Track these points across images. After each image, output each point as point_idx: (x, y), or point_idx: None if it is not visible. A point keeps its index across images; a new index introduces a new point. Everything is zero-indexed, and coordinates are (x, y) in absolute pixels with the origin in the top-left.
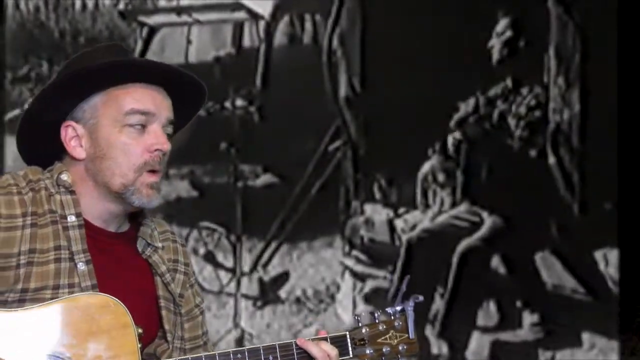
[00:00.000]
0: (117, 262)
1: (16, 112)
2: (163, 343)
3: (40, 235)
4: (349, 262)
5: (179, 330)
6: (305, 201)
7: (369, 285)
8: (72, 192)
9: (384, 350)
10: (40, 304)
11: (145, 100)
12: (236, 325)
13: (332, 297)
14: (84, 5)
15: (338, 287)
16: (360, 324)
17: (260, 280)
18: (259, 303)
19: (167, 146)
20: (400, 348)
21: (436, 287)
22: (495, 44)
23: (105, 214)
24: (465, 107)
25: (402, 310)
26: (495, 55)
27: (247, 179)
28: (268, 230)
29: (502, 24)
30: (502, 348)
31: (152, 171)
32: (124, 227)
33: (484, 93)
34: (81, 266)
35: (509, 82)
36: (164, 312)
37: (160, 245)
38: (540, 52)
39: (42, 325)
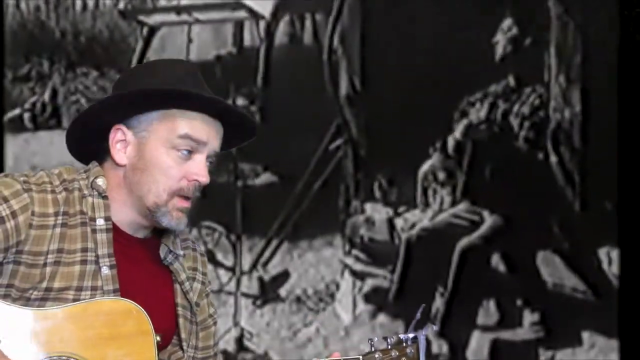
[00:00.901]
0: (140, 268)
1: (16, 111)
2: (178, 351)
3: (70, 235)
4: (349, 261)
5: (194, 339)
6: (306, 200)
7: (369, 284)
8: (104, 197)
9: None
10: (64, 304)
11: (201, 130)
12: (236, 324)
13: (332, 296)
14: (84, 5)
15: (338, 286)
16: (373, 349)
17: (260, 279)
18: (258, 302)
19: (206, 179)
20: None
21: (436, 286)
22: (500, 43)
23: (133, 223)
24: (467, 105)
25: (415, 338)
26: (498, 55)
27: (247, 178)
28: (268, 229)
29: (507, 22)
30: (502, 347)
31: (185, 197)
32: (149, 234)
33: (486, 91)
34: (105, 270)
35: (511, 81)
36: (181, 320)
37: (181, 252)
38: (541, 51)
39: (64, 326)
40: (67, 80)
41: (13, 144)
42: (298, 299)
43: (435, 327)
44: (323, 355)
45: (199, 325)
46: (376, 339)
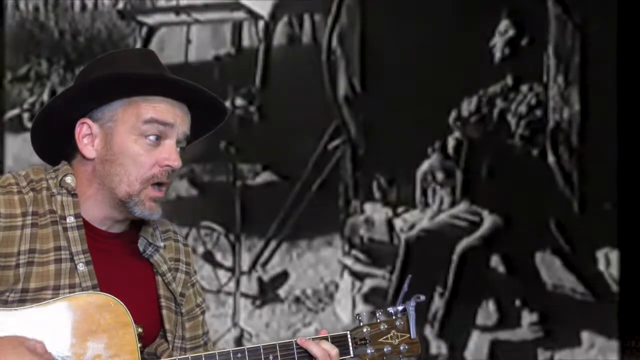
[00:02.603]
0: (118, 263)
1: (16, 111)
2: (163, 342)
3: (41, 235)
4: (348, 261)
5: (180, 329)
6: (305, 200)
7: (368, 284)
8: (74, 195)
9: (385, 350)
10: (40, 303)
11: (166, 113)
12: (235, 324)
13: (331, 297)
14: (83, 5)
15: (337, 287)
16: (361, 323)
17: (260, 280)
18: (258, 302)
19: (177, 163)
20: (401, 348)
21: (435, 286)
22: (497, 43)
23: (107, 219)
24: (467, 107)
25: (404, 310)
26: (497, 55)
27: (247, 178)
28: (267, 229)
29: (504, 23)
30: (501, 347)
31: (158, 184)
32: (125, 228)
33: (484, 92)
34: (81, 267)
35: (509, 80)
36: (164, 312)
37: (161, 244)
38: (539, 52)
39: (41, 325)
40: (66, 80)
41: (13, 143)
42: (297, 299)
43: (423, 298)
44: None
45: (186, 316)
46: (364, 313)
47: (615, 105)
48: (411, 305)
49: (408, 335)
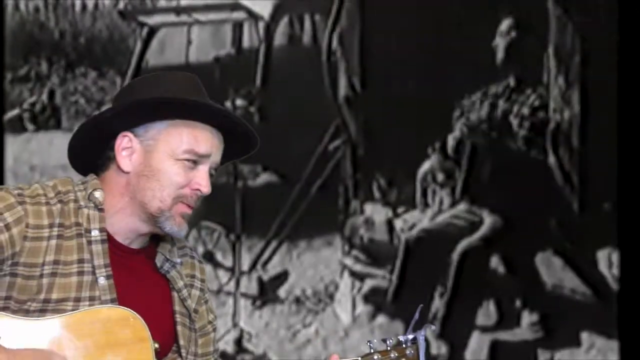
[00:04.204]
0: (137, 278)
1: (16, 111)
2: (177, 358)
3: (65, 247)
4: (348, 262)
5: (193, 345)
6: (305, 201)
7: (368, 284)
8: (100, 210)
9: None
10: (61, 314)
11: (206, 143)
12: (235, 324)
13: (331, 297)
14: (83, 6)
15: (337, 287)
16: (372, 350)
17: (260, 280)
18: (258, 302)
19: (207, 190)
20: None
21: (435, 286)
22: (499, 44)
23: (131, 232)
24: (467, 106)
25: (414, 339)
26: (499, 55)
27: (247, 179)
28: (267, 230)
29: (506, 23)
30: (501, 348)
31: (187, 204)
32: (145, 244)
33: (486, 93)
34: (102, 280)
35: (510, 81)
36: (179, 328)
37: (178, 260)
38: (540, 53)
39: (61, 335)
40: (66, 81)
41: (13, 144)
42: (297, 300)
43: (434, 328)
44: (322, 357)
45: (198, 332)
46: (375, 340)
47: (615, 106)
48: (421, 335)
49: None
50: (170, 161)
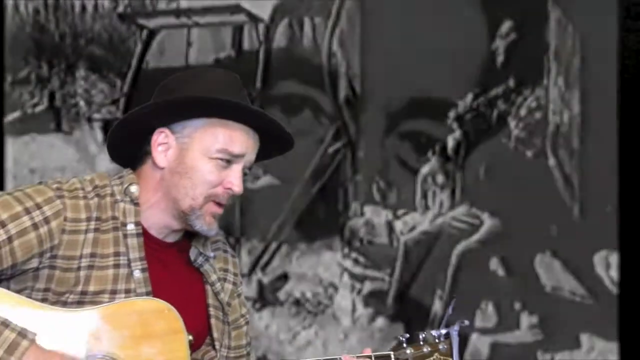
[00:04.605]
0: (171, 271)
1: (16, 114)
2: (211, 350)
3: (102, 240)
4: (348, 264)
5: (226, 338)
6: (304, 203)
7: (368, 287)
8: (136, 204)
9: None
10: (98, 305)
11: (241, 144)
12: None
13: (331, 299)
14: (83, 8)
15: (336, 289)
16: (404, 344)
17: (259, 282)
18: (257, 305)
19: (240, 189)
20: None
21: (435, 289)
22: (499, 45)
23: (165, 227)
24: (467, 107)
25: (447, 334)
26: (498, 58)
27: (246, 181)
28: (267, 232)
29: (506, 26)
30: (500, 350)
31: (218, 203)
32: (180, 238)
33: (485, 93)
34: (137, 273)
35: (510, 83)
36: (213, 321)
37: (212, 254)
38: (540, 54)
39: (98, 326)
40: (66, 84)
41: (13, 145)
42: (297, 302)
43: (468, 323)
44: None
45: (231, 325)
46: (407, 335)
47: (615, 108)
48: (455, 330)
49: (451, 359)
50: (204, 160)
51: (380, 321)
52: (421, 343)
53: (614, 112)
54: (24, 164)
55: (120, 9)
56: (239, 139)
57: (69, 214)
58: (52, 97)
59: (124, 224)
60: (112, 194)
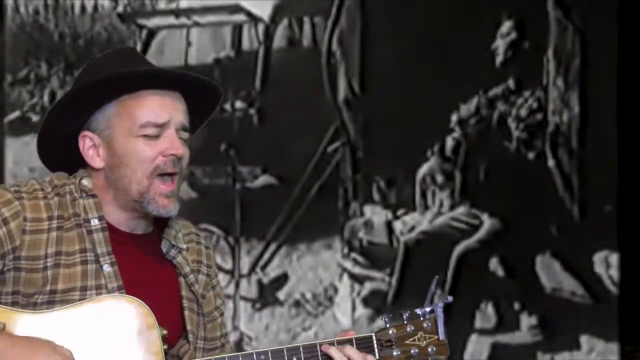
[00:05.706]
0: (142, 264)
1: (16, 113)
2: (185, 344)
3: (67, 238)
4: (347, 264)
5: (201, 330)
6: (304, 203)
7: (367, 287)
8: (93, 196)
9: (412, 352)
10: (68, 305)
11: (159, 110)
12: (235, 327)
13: (331, 299)
14: (83, 8)
15: (336, 290)
16: (387, 325)
17: (259, 282)
18: (257, 305)
19: (181, 150)
20: (429, 350)
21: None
22: (499, 46)
23: (129, 220)
24: (467, 108)
25: (432, 311)
26: (498, 58)
27: (246, 181)
28: (267, 232)
29: (507, 25)
30: (500, 350)
31: (165, 175)
32: (149, 229)
33: (485, 94)
34: (107, 268)
35: (510, 84)
36: (186, 313)
37: (184, 246)
38: (540, 55)
39: (68, 326)
40: (66, 83)
41: (13, 145)
42: (297, 303)
43: (451, 299)
44: None
45: (206, 317)
46: (391, 315)
47: (615, 108)
48: (439, 306)
49: (436, 336)
50: (132, 141)
51: (380, 322)
52: (404, 322)
53: (613, 113)
54: (24, 164)
55: (120, 9)
56: (155, 107)
57: (29, 214)
58: (52, 96)
59: (87, 220)
60: (71, 192)
